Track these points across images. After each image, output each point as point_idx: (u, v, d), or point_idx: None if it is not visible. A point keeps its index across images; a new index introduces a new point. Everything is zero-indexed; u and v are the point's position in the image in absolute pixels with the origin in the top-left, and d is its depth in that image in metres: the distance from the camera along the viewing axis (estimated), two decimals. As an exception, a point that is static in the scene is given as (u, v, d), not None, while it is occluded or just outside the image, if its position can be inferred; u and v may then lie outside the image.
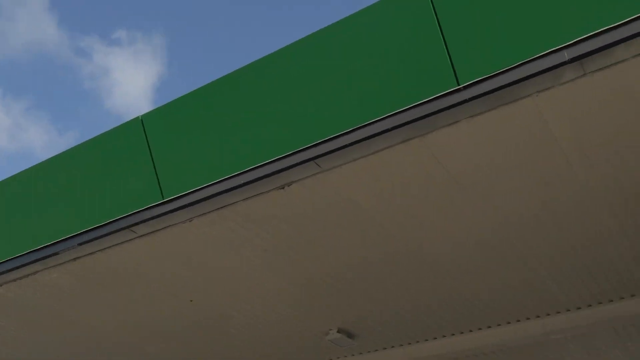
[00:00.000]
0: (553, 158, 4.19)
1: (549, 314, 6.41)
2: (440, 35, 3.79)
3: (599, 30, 3.44)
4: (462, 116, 3.84)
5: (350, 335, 6.62)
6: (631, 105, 3.82)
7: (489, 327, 6.65)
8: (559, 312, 6.37)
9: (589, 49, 3.49)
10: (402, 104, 3.79)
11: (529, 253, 5.28)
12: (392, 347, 7.08)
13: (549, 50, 3.54)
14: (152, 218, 4.59)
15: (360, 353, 7.26)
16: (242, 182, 4.24)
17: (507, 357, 7.46)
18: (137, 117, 4.75)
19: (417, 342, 6.95)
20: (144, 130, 4.68)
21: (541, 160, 4.21)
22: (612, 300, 6.19)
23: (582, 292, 6.00)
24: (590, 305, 6.26)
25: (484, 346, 6.85)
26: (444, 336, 6.82)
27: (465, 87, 3.71)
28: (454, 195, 4.51)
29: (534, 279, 5.71)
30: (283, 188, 4.33)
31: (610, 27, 3.41)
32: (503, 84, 3.63)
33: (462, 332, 6.76)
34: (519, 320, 6.54)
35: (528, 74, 3.61)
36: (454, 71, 3.73)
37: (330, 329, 6.54)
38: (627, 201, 4.65)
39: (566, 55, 3.53)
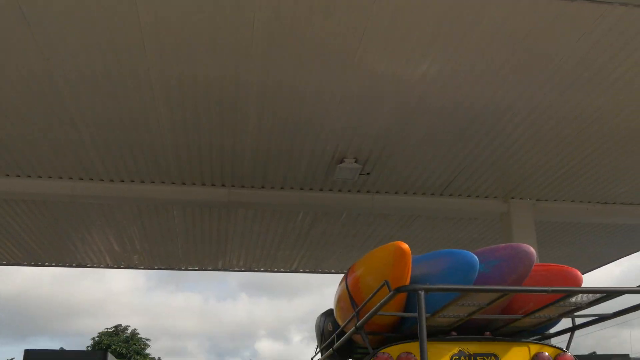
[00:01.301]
0: (130, 33, 4.22)
1: (81, 179, 6.52)
2: None
3: None
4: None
5: None
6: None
7: (7, 175, 6.46)
8: (91, 179, 6.53)
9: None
10: None
11: (80, 115, 5.26)
12: None
13: None
14: None
15: None
16: None
17: (36, 209, 7.42)
18: None
19: None
20: None
21: (117, 28, 4.17)
22: (143, 182, 6.62)
23: (119, 167, 6.25)
24: (122, 181, 6.59)
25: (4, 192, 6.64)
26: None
27: None
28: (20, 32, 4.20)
29: (79, 142, 5.72)
30: None
31: None
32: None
33: (-13, 173, 6.42)
34: (50, 177, 6.49)
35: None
36: None
37: None
38: (187, 96, 4.97)
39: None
